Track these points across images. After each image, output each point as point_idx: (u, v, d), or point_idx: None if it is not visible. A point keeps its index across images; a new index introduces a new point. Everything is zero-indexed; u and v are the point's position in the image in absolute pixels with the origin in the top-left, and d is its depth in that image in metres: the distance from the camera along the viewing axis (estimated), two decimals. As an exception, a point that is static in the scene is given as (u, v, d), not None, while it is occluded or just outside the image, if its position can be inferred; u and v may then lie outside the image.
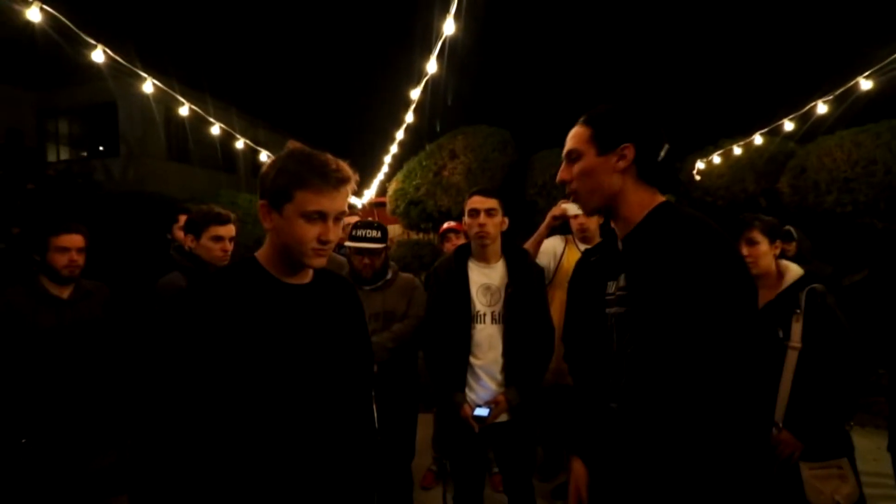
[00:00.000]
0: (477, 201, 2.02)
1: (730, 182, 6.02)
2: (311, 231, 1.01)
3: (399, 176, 5.83)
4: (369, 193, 7.82)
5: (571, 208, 2.63)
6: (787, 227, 3.11)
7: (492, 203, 2.02)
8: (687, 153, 6.39)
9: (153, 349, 1.06)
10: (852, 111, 3.95)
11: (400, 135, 3.93)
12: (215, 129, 4.00)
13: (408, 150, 5.27)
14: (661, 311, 0.98)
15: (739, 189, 6.01)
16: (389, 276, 2.35)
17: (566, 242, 2.78)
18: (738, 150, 5.44)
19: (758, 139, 4.94)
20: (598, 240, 2.65)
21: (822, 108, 3.78)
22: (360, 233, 2.30)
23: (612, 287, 1.16)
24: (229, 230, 2.17)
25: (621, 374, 1.09)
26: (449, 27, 2.48)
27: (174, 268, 2.20)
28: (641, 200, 1.10)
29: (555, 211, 2.68)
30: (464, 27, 2.43)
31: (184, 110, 3.53)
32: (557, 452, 3.03)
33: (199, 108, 3.60)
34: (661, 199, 1.12)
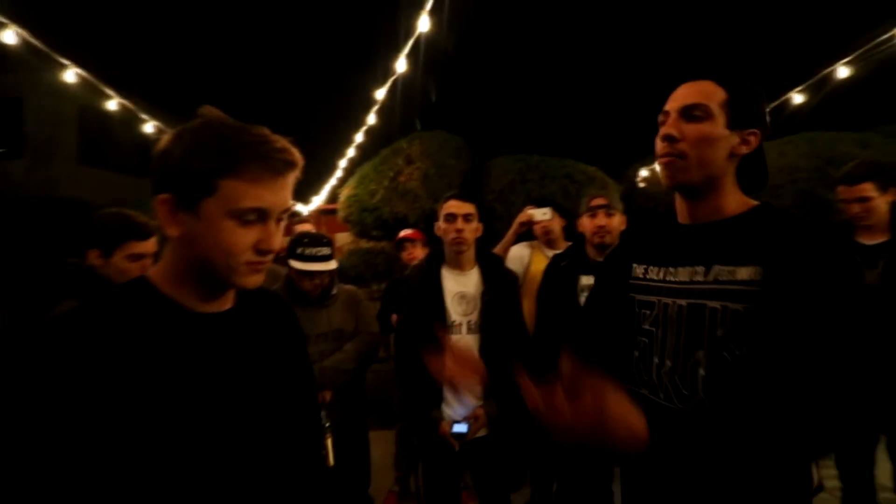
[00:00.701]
0: (454, 206, 1.93)
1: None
2: (246, 237, 0.71)
3: (352, 181, 5.61)
4: (318, 200, 7.49)
5: (538, 214, 2.64)
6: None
7: (469, 208, 1.94)
8: (632, 161, 6.73)
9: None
10: (775, 124, 4.31)
11: (360, 137, 3.74)
12: (148, 128, 3.59)
13: (366, 153, 5.07)
14: (802, 307, 0.84)
15: (678, 196, 6.39)
16: (334, 290, 2.19)
17: (532, 249, 2.77)
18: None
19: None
20: (562, 244, 2.75)
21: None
22: (309, 251, 2.08)
23: (673, 273, 1.00)
24: (152, 246, 1.69)
25: (731, 379, 0.89)
26: (423, 24, 2.36)
27: (71, 294, 1.68)
28: (737, 195, 0.99)
29: (521, 217, 2.69)
30: (437, 24, 2.33)
31: (111, 105, 3.12)
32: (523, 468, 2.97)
33: (121, 105, 3.20)
34: (753, 201, 1.01)
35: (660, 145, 0.98)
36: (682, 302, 0.97)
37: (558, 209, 2.76)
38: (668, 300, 1.00)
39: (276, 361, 0.85)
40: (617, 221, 2.14)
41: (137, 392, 0.66)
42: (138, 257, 1.69)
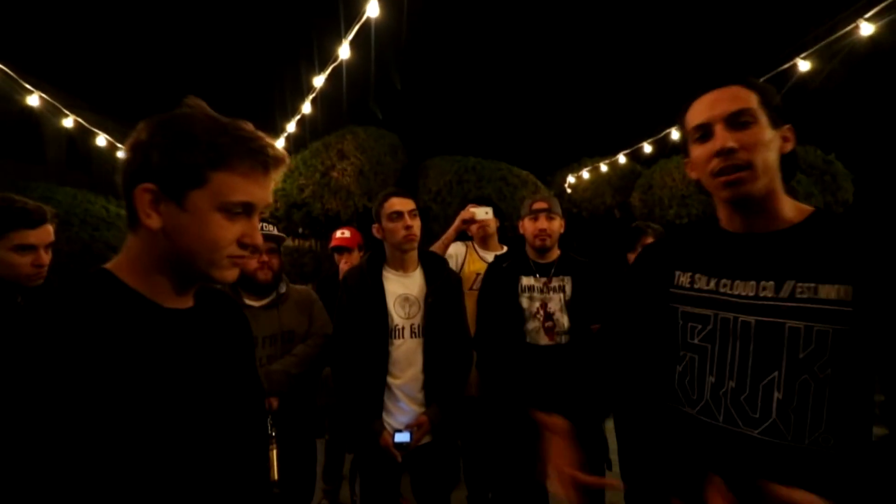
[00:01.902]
0: (398, 203, 1.84)
1: (592, 195, 6.79)
2: (231, 230, 0.72)
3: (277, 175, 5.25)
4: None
5: (480, 212, 2.64)
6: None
7: (412, 204, 1.88)
8: (559, 167, 7.05)
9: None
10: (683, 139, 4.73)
11: (291, 127, 3.48)
12: (32, 101, 3.04)
13: (295, 145, 4.76)
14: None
15: (600, 202, 6.82)
16: (283, 289, 2.00)
17: (466, 248, 2.77)
18: (604, 168, 6.16)
19: (622, 159, 5.64)
20: (496, 244, 2.78)
21: (675, 134, 4.46)
22: None
23: (730, 286, 0.92)
24: (44, 235, 1.49)
25: (820, 403, 0.84)
26: (373, 9, 2.21)
27: None
28: (788, 199, 0.93)
29: (464, 214, 2.68)
30: (387, 10, 2.20)
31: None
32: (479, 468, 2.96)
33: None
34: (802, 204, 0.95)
35: (714, 162, 0.89)
36: (749, 319, 0.89)
37: (495, 210, 2.78)
38: (729, 314, 0.91)
39: (231, 363, 0.84)
40: (557, 225, 2.18)
41: (105, 389, 0.63)
42: (28, 248, 1.45)
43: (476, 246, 2.75)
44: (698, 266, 0.98)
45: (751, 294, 0.89)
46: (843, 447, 0.82)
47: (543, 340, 2.04)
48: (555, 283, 2.10)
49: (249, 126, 0.74)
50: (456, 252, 2.72)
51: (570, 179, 6.77)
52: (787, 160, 0.92)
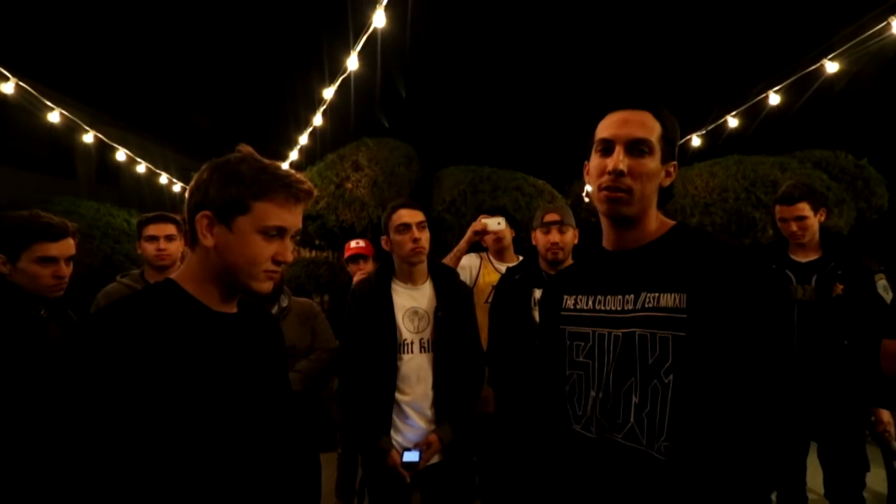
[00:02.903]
0: (406, 215, 1.80)
1: (612, 204, 6.64)
2: (268, 249, 0.91)
3: (294, 187, 5.29)
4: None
5: (492, 223, 2.58)
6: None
7: (421, 216, 1.83)
8: (577, 176, 6.93)
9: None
10: (707, 145, 4.59)
11: (304, 139, 3.49)
12: (53, 117, 3.13)
13: (309, 157, 4.80)
14: (737, 327, 0.85)
15: (619, 211, 6.66)
16: (285, 303, 1.97)
17: (481, 259, 2.71)
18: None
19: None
20: (511, 255, 2.71)
21: (696, 140, 4.32)
22: None
23: (603, 302, 1.01)
24: (65, 248, 1.55)
25: (664, 408, 0.89)
26: (379, 19, 2.20)
27: None
28: (657, 218, 1.03)
29: (476, 226, 2.63)
30: (394, 21, 2.19)
31: (7, 88, 2.69)
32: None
33: (20, 90, 2.78)
34: (668, 220, 1.05)
35: (605, 178, 0.96)
36: (618, 332, 0.96)
37: (510, 220, 2.72)
38: (604, 330, 0.98)
39: (272, 365, 1.02)
40: (570, 237, 2.11)
41: (174, 383, 0.79)
42: (50, 260, 1.51)
43: (491, 257, 2.69)
44: (581, 287, 1.07)
45: (618, 308, 0.97)
46: (678, 454, 0.85)
47: (557, 356, 1.97)
48: (569, 296, 2.03)
49: (285, 167, 0.95)
50: (469, 264, 2.66)
51: (588, 188, 6.65)
52: (664, 191, 1.01)
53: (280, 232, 0.91)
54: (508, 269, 2.30)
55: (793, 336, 2.04)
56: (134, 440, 0.74)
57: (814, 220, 2.14)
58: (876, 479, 2.46)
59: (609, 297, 1.00)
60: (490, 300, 2.36)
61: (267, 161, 0.93)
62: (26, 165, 9.03)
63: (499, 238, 2.63)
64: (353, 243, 3.00)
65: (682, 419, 0.86)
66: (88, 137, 3.57)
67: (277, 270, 0.92)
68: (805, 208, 2.11)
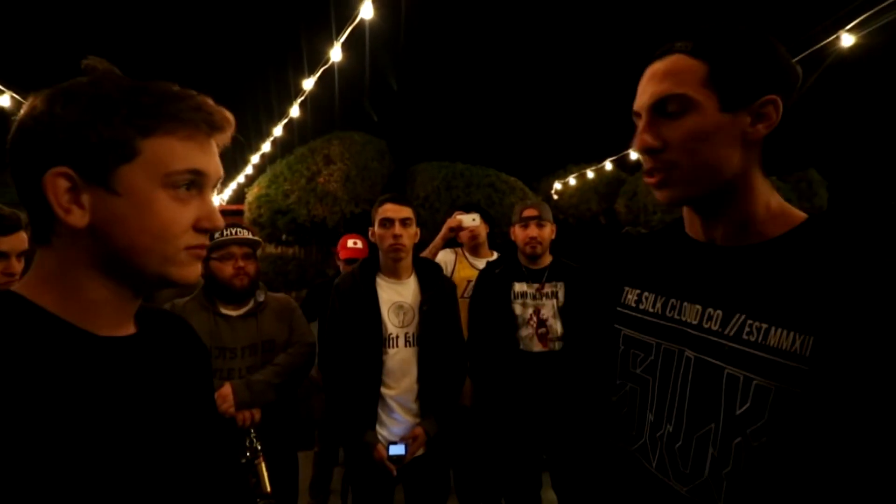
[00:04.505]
0: (391, 210, 1.80)
1: (579, 202, 6.86)
2: (184, 213, 0.57)
3: (262, 181, 5.15)
4: (218, 199, 6.81)
5: (467, 219, 2.62)
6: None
7: (407, 212, 1.82)
8: (546, 174, 7.10)
9: None
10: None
11: (278, 131, 3.41)
12: (3, 101, 2.90)
13: (281, 150, 4.68)
14: (865, 391, 0.57)
15: (586, 208, 6.89)
16: (262, 297, 1.94)
17: (456, 255, 2.74)
18: (591, 175, 6.23)
19: (608, 166, 5.71)
20: (486, 251, 2.76)
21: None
22: (226, 232, 1.82)
23: (679, 310, 0.75)
24: (17, 242, 1.39)
25: (750, 476, 0.65)
26: (367, 10, 2.17)
27: None
28: (771, 200, 0.70)
29: (451, 222, 2.66)
30: (380, 12, 2.16)
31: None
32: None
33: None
34: (797, 211, 0.72)
35: (643, 158, 0.73)
36: (691, 354, 0.72)
37: (484, 216, 2.76)
38: (673, 346, 0.74)
39: (188, 397, 0.68)
40: (548, 232, 2.17)
41: (35, 444, 0.48)
42: (0, 256, 1.36)
43: (466, 253, 2.72)
44: (649, 282, 0.81)
45: (695, 322, 0.72)
46: None
47: (537, 347, 2.03)
48: (547, 289, 2.09)
49: (174, 85, 0.59)
50: (444, 260, 2.69)
51: (557, 186, 6.83)
52: (770, 145, 0.69)
53: (196, 182, 0.58)
54: (488, 263, 2.34)
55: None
56: None
57: None
58: None
59: (686, 304, 0.74)
60: (466, 294, 2.40)
61: (141, 80, 0.58)
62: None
63: (474, 234, 2.67)
64: (349, 242, 2.84)
65: (766, 493, 0.63)
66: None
67: (204, 245, 0.60)
68: None
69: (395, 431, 1.76)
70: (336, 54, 2.39)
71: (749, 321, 0.66)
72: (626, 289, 0.84)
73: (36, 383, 0.49)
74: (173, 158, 0.56)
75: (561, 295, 2.07)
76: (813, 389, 0.59)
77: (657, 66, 0.71)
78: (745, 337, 0.66)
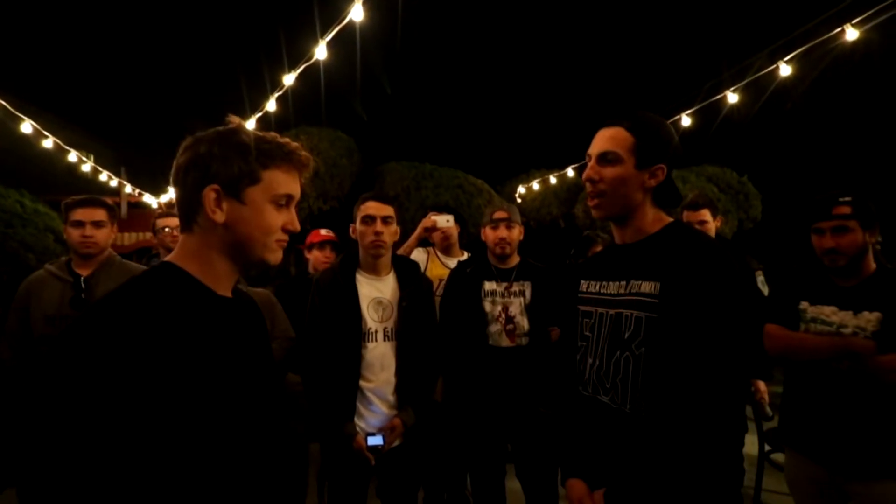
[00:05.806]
0: (373, 207, 1.86)
1: (540, 206, 7.11)
2: (279, 219, 0.89)
3: (225, 173, 4.99)
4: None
5: (441, 220, 2.71)
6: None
7: (388, 210, 1.88)
8: (510, 177, 7.30)
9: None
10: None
11: (251, 124, 3.35)
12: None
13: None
14: (695, 314, 1.03)
15: (546, 212, 7.15)
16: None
17: (428, 254, 2.82)
18: (553, 180, 6.47)
19: (570, 172, 5.95)
20: (457, 251, 2.86)
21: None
22: None
23: (606, 287, 1.21)
24: (89, 213, 1.76)
25: (635, 375, 1.09)
26: (357, 13, 2.19)
27: None
28: (655, 216, 1.17)
29: (426, 222, 2.73)
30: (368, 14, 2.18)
31: None
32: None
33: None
34: (668, 218, 1.19)
35: (587, 185, 1.18)
36: (612, 311, 1.17)
37: (457, 217, 2.85)
38: (602, 310, 1.20)
39: (265, 351, 1.01)
40: (517, 233, 2.28)
41: (186, 376, 0.76)
42: None
43: (438, 252, 2.80)
44: (593, 274, 1.27)
45: (614, 292, 1.18)
46: (650, 414, 1.06)
47: (505, 342, 2.12)
48: (515, 287, 2.19)
49: (279, 136, 0.91)
50: (417, 259, 2.74)
51: (521, 189, 7.04)
52: (660, 191, 1.16)
53: (288, 200, 0.90)
54: (460, 262, 2.43)
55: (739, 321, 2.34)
56: (142, 438, 0.71)
57: (712, 225, 2.54)
58: (747, 441, 2.97)
59: (610, 282, 1.19)
60: (438, 292, 2.48)
61: (257, 131, 0.92)
62: None
63: (446, 235, 2.76)
64: (322, 231, 2.90)
65: (647, 383, 1.06)
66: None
67: (286, 240, 0.92)
68: (707, 214, 2.51)
69: (372, 423, 1.80)
70: (321, 52, 2.40)
71: (633, 281, 1.13)
72: (582, 281, 1.30)
73: (190, 322, 0.80)
74: (279, 185, 0.87)
75: (528, 293, 2.17)
76: (661, 313, 1.06)
77: (608, 131, 1.15)
78: (631, 291, 1.13)
